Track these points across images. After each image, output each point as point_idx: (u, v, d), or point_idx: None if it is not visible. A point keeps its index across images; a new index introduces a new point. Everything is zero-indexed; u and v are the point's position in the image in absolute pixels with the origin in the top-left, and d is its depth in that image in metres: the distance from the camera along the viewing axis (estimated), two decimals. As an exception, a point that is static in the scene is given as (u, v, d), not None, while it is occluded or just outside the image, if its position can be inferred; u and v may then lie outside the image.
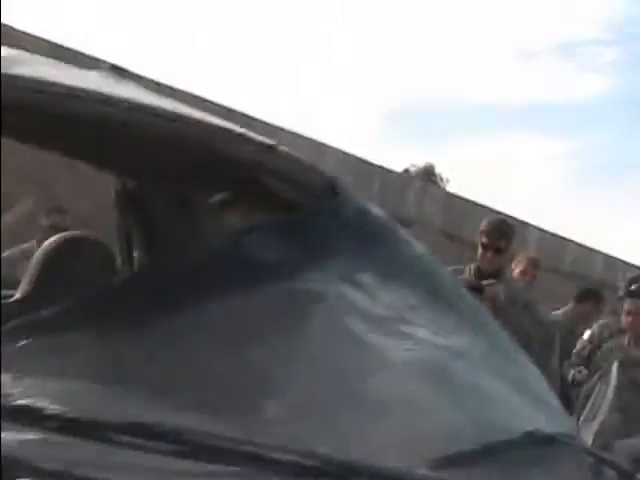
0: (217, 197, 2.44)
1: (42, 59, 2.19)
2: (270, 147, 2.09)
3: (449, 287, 2.22)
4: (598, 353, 5.77)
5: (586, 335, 6.12)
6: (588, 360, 5.86)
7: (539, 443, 1.73)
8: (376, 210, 2.29)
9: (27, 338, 1.64)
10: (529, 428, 1.73)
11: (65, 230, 5.98)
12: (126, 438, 1.37)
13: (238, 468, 1.41)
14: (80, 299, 1.84)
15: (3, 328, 1.64)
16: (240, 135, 2.05)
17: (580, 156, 40.09)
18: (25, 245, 6.01)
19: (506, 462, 1.68)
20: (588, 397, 4.72)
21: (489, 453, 1.65)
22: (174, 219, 2.52)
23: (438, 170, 24.37)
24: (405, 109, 39.41)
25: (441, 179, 24.08)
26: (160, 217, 2.56)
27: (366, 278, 2.03)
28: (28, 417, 1.38)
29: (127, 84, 2.17)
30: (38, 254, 2.69)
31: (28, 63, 2.02)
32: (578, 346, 6.04)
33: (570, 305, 6.85)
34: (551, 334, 4.95)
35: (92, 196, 6.72)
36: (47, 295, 2.21)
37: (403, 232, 2.28)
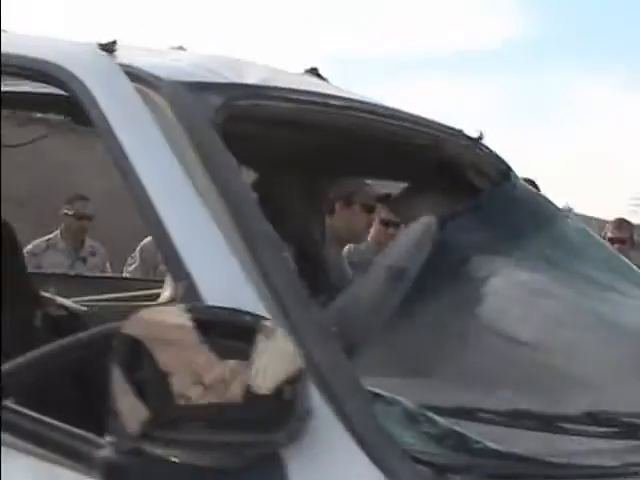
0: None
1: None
2: (476, 140, 2.27)
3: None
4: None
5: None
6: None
7: None
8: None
9: None
10: None
11: (88, 218, 6.01)
12: (575, 427, 1.60)
13: None
14: None
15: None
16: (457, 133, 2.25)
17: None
18: (49, 236, 6.01)
19: None
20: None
21: None
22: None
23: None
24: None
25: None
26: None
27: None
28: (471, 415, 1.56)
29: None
30: None
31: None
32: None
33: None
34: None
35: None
36: None
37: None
